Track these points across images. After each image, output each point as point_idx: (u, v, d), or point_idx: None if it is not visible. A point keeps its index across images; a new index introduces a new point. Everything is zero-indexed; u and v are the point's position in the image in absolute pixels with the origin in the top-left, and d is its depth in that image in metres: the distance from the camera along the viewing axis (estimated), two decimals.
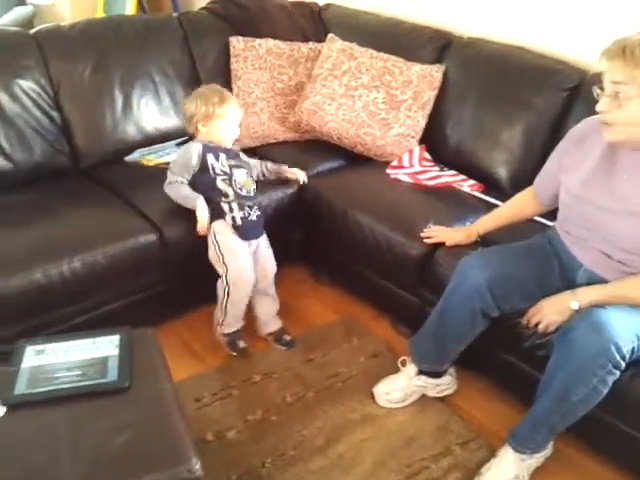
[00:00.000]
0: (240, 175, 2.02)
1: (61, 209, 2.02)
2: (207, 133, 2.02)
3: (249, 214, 1.99)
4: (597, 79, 1.44)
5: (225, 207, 1.96)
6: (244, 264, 1.96)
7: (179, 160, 2.01)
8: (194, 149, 1.98)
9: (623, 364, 1.44)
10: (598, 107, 1.43)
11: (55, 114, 2.26)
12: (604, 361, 1.42)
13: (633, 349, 1.44)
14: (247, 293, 1.99)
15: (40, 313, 1.81)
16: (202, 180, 1.98)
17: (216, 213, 1.96)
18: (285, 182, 2.29)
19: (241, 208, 1.97)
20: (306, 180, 2.29)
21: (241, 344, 2.08)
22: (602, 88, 1.42)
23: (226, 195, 1.97)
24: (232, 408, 1.88)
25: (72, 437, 1.20)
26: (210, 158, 1.98)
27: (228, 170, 2.00)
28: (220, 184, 1.97)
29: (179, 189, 1.98)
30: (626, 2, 2.12)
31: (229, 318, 2.02)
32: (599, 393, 1.47)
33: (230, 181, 1.98)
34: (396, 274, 2.11)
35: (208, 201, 1.96)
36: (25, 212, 1.99)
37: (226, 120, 2.01)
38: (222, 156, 2.00)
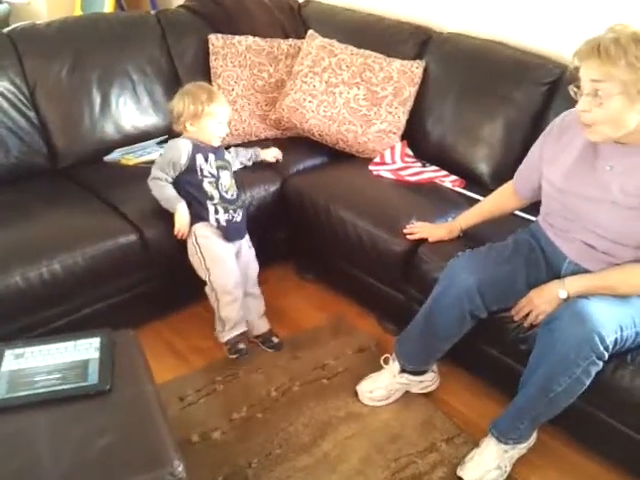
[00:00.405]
0: (225, 178, 1.99)
1: (39, 210, 1.99)
2: (195, 132, 1.97)
3: (233, 216, 1.97)
4: (576, 75, 1.43)
5: (211, 209, 1.93)
6: (228, 267, 1.94)
7: (167, 156, 1.95)
8: (184, 147, 1.93)
9: (606, 355, 1.45)
10: (579, 106, 1.43)
11: (32, 114, 2.23)
12: (587, 352, 1.43)
13: (616, 340, 1.45)
14: (237, 295, 1.97)
15: (19, 317, 1.79)
16: (188, 180, 1.94)
17: (198, 215, 1.94)
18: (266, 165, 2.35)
19: (226, 211, 1.96)
20: (280, 158, 2.33)
21: (240, 345, 2.02)
22: (578, 87, 1.42)
23: (212, 198, 1.94)
24: (217, 406, 1.87)
25: (53, 441, 1.18)
26: (199, 159, 1.94)
27: (215, 172, 1.96)
28: (207, 186, 1.94)
29: (162, 188, 1.95)
30: None
31: (227, 325, 1.99)
32: (582, 384, 1.48)
33: (217, 184, 1.96)
34: (380, 270, 2.11)
35: (191, 202, 1.93)
36: (2, 213, 1.95)
37: (215, 118, 1.96)
38: (211, 157, 1.97)
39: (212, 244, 1.93)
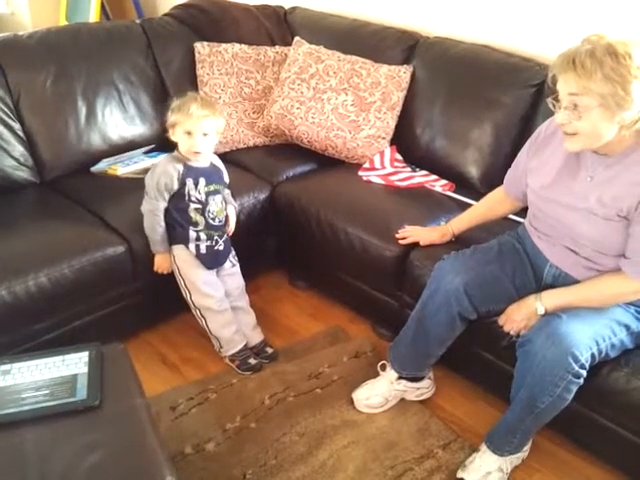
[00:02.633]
0: (215, 204, 1.90)
1: (25, 223, 1.97)
2: (179, 144, 1.85)
3: (216, 242, 1.92)
4: (553, 87, 1.42)
5: (192, 235, 1.88)
6: (208, 291, 1.92)
7: (160, 181, 1.83)
8: (173, 171, 1.83)
9: (584, 372, 1.45)
10: (558, 120, 1.42)
11: (16, 126, 2.20)
12: (563, 373, 1.43)
13: (593, 355, 1.45)
14: (224, 315, 1.95)
15: (6, 332, 1.75)
16: (174, 203, 1.87)
17: (178, 238, 1.90)
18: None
19: (209, 237, 1.90)
20: (231, 230, 2.04)
21: (252, 361, 2.00)
22: (557, 99, 1.42)
23: (196, 224, 1.88)
24: (210, 415, 1.84)
25: (40, 459, 1.15)
26: (189, 183, 1.84)
27: (204, 198, 1.87)
28: (192, 212, 1.86)
29: (154, 229, 1.88)
30: None
31: (222, 340, 1.98)
32: (564, 399, 1.49)
33: (203, 210, 1.87)
34: (373, 276, 2.10)
35: (173, 225, 1.88)
36: None
37: (182, 127, 1.80)
38: (201, 182, 1.86)
39: (190, 268, 1.91)
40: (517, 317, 1.60)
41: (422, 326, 1.73)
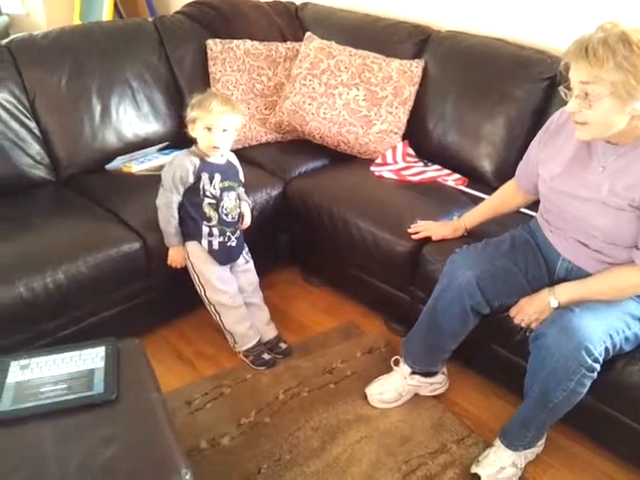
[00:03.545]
0: (229, 200, 1.91)
1: (42, 221, 1.99)
2: (199, 140, 1.87)
3: (229, 239, 1.93)
4: (565, 75, 1.41)
5: (205, 230, 1.89)
6: (222, 287, 1.93)
7: (175, 173, 1.85)
8: (190, 164, 1.84)
9: (597, 366, 1.44)
10: (568, 108, 1.41)
11: (32, 125, 2.22)
12: (576, 366, 1.42)
13: (607, 349, 1.44)
14: (238, 311, 1.97)
15: (24, 328, 1.78)
16: (189, 198, 1.88)
17: (192, 234, 1.91)
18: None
19: (222, 233, 1.91)
20: (246, 225, 2.05)
21: (266, 356, 2.02)
22: (569, 88, 1.41)
23: (209, 219, 1.89)
24: (224, 410, 1.86)
25: (59, 452, 1.17)
26: (204, 178, 1.85)
27: (218, 194, 1.88)
28: (206, 207, 1.88)
29: (168, 221, 1.89)
30: None
31: (236, 336, 2.00)
32: (578, 394, 1.48)
33: (217, 206, 1.88)
34: (385, 272, 2.10)
35: (187, 220, 1.90)
36: (5, 225, 1.95)
37: (203, 122, 1.82)
38: (217, 177, 1.87)
39: (204, 264, 1.92)
40: (529, 310, 1.60)
41: (435, 320, 1.73)
